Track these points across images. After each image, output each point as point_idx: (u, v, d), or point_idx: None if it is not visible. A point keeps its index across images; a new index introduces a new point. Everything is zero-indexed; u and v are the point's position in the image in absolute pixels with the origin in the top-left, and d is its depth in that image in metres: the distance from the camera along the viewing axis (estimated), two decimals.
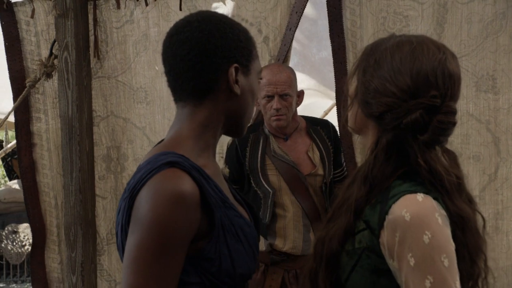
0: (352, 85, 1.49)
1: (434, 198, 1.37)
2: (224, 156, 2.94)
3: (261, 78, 1.50)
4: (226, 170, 2.88)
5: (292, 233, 2.80)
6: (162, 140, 1.45)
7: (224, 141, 2.98)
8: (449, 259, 1.31)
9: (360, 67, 1.46)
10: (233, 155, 2.87)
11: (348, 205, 1.44)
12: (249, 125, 2.73)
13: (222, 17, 1.40)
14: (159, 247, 1.20)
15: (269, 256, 2.82)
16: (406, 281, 1.32)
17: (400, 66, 1.39)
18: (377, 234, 1.37)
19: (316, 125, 2.97)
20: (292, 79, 2.83)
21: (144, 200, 1.22)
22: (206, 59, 1.34)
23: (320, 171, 2.87)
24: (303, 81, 5.01)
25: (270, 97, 2.80)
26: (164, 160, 1.26)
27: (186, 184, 1.23)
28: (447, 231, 1.34)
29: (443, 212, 1.36)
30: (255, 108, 2.80)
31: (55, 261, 3.55)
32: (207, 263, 1.27)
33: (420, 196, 1.35)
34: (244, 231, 1.35)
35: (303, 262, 2.79)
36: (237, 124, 1.44)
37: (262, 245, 2.82)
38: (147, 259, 1.19)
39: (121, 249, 1.31)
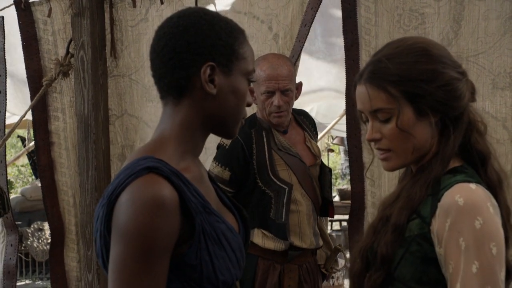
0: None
1: (485, 188, 1.41)
2: (218, 158, 2.75)
3: (254, 81, 1.45)
4: (226, 173, 2.70)
5: (307, 228, 2.75)
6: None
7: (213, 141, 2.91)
8: (498, 248, 1.33)
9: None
10: (238, 155, 2.69)
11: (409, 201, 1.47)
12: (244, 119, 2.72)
13: (206, 13, 1.35)
14: (143, 257, 1.18)
15: (285, 255, 2.73)
16: (455, 264, 1.34)
17: None
18: (429, 222, 1.40)
19: (300, 115, 2.90)
20: (292, 72, 2.71)
21: (123, 208, 1.20)
22: (178, 56, 1.30)
23: (319, 161, 2.83)
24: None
25: (270, 93, 2.66)
26: (142, 166, 1.23)
27: (165, 190, 1.21)
28: (498, 221, 1.37)
29: (495, 202, 1.40)
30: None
31: (74, 260, 3.57)
32: (188, 269, 1.25)
33: (473, 185, 1.39)
34: (226, 237, 1.31)
35: (310, 256, 2.80)
36: (221, 125, 1.39)
37: (281, 245, 2.72)
38: (133, 269, 1.18)
39: (101, 255, 1.28)
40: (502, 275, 1.33)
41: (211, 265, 1.27)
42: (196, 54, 1.31)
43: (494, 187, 1.46)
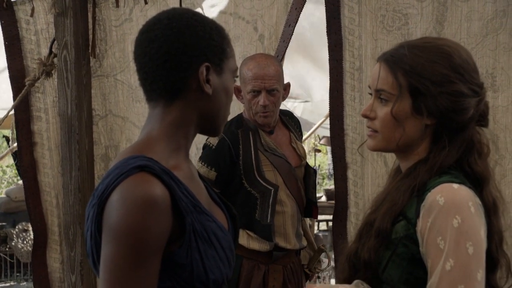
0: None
1: (469, 188, 1.41)
2: (204, 158, 2.74)
3: (237, 76, 1.46)
4: (212, 174, 2.69)
5: (291, 229, 2.75)
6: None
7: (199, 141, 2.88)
8: (474, 247, 1.33)
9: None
10: (224, 155, 2.68)
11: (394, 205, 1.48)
12: (229, 121, 2.72)
13: (194, 14, 1.35)
14: (135, 256, 1.18)
15: (269, 255, 2.73)
16: (432, 262, 1.35)
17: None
18: (414, 222, 1.41)
19: (285, 116, 2.90)
20: (280, 72, 2.70)
21: (114, 207, 1.20)
22: (175, 58, 1.30)
23: (304, 162, 2.84)
24: None
25: (256, 92, 2.65)
26: (133, 164, 1.23)
27: (157, 189, 1.20)
28: (478, 220, 1.37)
29: (478, 201, 1.40)
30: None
31: (57, 261, 3.54)
32: (178, 268, 1.25)
33: (456, 185, 1.40)
34: (217, 236, 1.31)
35: (294, 256, 2.80)
36: (211, 124, 1.40)
37: (266, 246, 2.72)
38: (125, 269, 1.18)
39: (91, 255, 1.28)
40: (479, 275, 1.33)
41: (202, 264, 1.27)
42: (193, 56, 1.31)
43: (488, 211, 1.45)
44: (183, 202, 1.25)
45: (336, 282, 1.60)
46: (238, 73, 1.46)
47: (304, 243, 2.88)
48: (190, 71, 1.32)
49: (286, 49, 2.92)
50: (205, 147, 2.74)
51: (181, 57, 1.30)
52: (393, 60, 1.49)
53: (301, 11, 2.87)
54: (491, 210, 1.47)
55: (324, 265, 3.17)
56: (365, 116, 1.54)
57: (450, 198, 1.36)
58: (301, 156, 2.83)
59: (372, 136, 1.54)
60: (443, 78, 1.44)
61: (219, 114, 1.39)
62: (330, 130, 2.81)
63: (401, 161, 1.57)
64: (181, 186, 1.27)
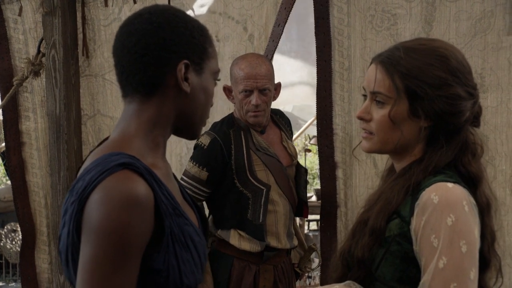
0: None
1: (464, 187, 1.42)
2: (195, 158, 2.71)
3: (219, 79, 1.44)
4: (204, 174, 2.66)
5: (283, 228, 2.74)
6: (106, 139, 1.37)
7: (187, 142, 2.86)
8: (468, 246, 1.33)
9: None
10: (216, 155, 2.65)
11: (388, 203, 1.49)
12: (221, 121, 2.72)
13: (177, 11, 1.33)
14: (116, 257, 1.14)
15: (260, 255, 2.72)
16: (425, 260, 1.35)
17: None
18: (408, 221, 1.41)
19: (276, 114, 2.90)
20: (271, 72, 2.68)
21: (96, 205, 1.15)
22: (153, 52, 1.27)
23: (295, 162, 2.83)
24: None
25: (248, 92, 2.64)
26: (116, 162, 1.18)
27: (142, 188, 1.17)
28: (472, 220, 1.38)
29: (472, 201, 1.41)
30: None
31: (45, 262, 3.52)
32: (154, 274, 1.21)
33: (450, 184, 1.40)
34: (193, 241, 1.29)
35: (285, 256, 2.80)
36: (188, 124, 1.37)
37: (257, 247, 2.69)
38: (106, 271, 1.14)
39: (64, 252, 1.23)
40: (472, 274, 1.33)
41: (178, 270, 1.23)
42: (172, 52, 1.28)
43: (482, 211, 1.46)
44: (164, 204, 1.22)
45: (329, 281, 1.59)
46: (219, 76, 1.43)
47: (295, 242, 2.88)
48: (168, 67, 1.29)
49: (276, 48, 2.92)
50: (197, 146, 2.72)
51: (159, 52, 1.28)
52: (389, 62, 1.49)
53: (290, 10, 2.87)
54: (484, 210, 1.47)
55: (314, 265, 3.17)
56: (360, 118, 1.54)
57: (445, 196, 1.36)
58: (292, 155, 2.83)
59: (368, 138, 1.54)
60: (441, 81, 1.44)
61: (196, 114, 1.36)
62: (318, 130, 2.81)
63: (396, 161, 1.57)
64: (162, 186, 1.24)
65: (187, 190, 2.61)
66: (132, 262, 1.16)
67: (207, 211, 2.81)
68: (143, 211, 1.16)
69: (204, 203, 2.80)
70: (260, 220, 2.66)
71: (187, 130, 1.39)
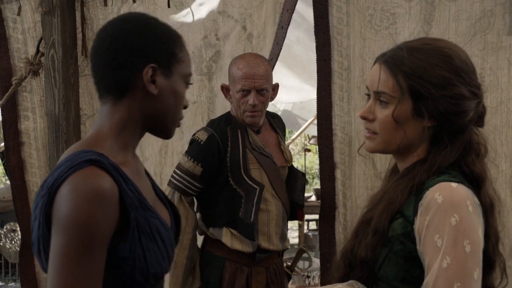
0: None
1: (468, 187, 1.42)
2: (191, 153, 2.70)
3: (191, 83, 1.51)
4: (198, 169, 2.66)
5: (275, 229, 2.74)
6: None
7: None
8: (472, 246, 1.34)
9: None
10: (213, 151, 2.65)
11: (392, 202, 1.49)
12: (218, 118, 2.73)
13: (149, 18, 1.43)
14: (84, 247, 1.24)
15: (252, 257, 2.71)
16: (429, 260, 1.35)
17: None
18: (412, 220, 1.42)
19: (273, 118, 2.91)
20: (269, 72, 2.69)
21: (64, 199, 1.25)
22: (121, 57, 1.37)
23: (289, 164, 2.84)
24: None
25: (246, 92, 2.64)
26: (83, 158, 1.28)
27: (106, 183, 1.26)
28: (476, 220, 1.38)
29: (476, 201, 1.41)
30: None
31: None
32: (121, 262, 1.31)
33: (454, 184, 1.40)
34: (159, 232, 1.38)
35: (277, 258, 2.80)
36: (159, 125, 1.46)
37: (249, 247, 2.68)
38: (74, 259, 1.23)
39: (36, 244, 1.33)
40: (475, 274, 1.33)
41: (144, 259, 1.33)
42: (138, 56, 1.38)
43: (486, 211, 1.46)
44: (129, 198, 1.31)
45: (331, 281, 1.59)
46: (191, 80, 1.51)
47: (288, 244, 2.87)
48: (135, 71, 1.38)
49: (280, 51, 2.91)
50: (193, 142, 2.72)
51: (127, 56, 1.37)
52: (393, 62, 1.49)
53: (292, 12, 2.86)
54: (488, 210, 1.47)
55: (314, 265, 3.18)
56: (364, 117, 1.54)
57: (448, 196, 1.37)
58: (287, 160, 2.84)
59: (371, 138, 1.54)
60: (445, 81, 1.44)
61: (166, 115, 1.44)
62: (318, 130, 2.81)
63: (399, 161, 1.58)
64: (128, 182, 1.33)
65: (178, 183, 2.65)
66: (99, 250, 1.26)
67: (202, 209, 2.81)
68: (108, 204, 1.26)
69: (196, 201, 2.80)
70: (252, 219, 2.65)
71: (160, 130, 1.48)
